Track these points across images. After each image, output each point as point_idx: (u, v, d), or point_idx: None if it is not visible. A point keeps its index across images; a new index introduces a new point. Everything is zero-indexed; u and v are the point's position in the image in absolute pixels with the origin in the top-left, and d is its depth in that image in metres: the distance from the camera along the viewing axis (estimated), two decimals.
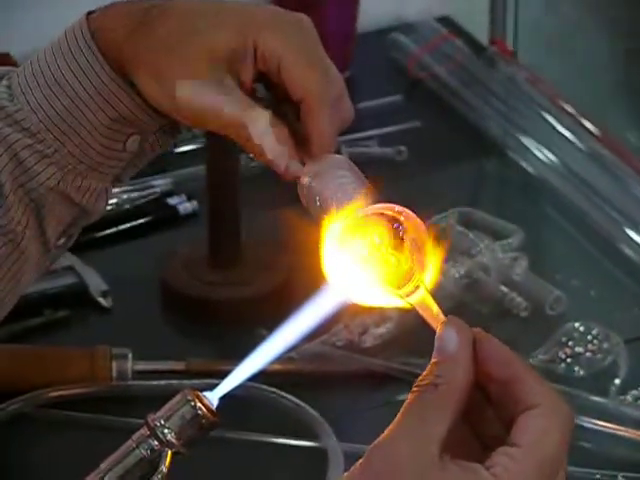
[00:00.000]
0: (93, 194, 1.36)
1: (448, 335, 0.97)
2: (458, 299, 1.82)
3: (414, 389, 0.95)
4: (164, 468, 1.09)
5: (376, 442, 0.94)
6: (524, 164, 2.04)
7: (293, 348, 1.13)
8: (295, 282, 1.65)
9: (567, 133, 2.06)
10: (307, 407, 1.70)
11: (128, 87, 1.31)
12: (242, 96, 1.26)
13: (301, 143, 1.25)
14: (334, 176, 1.22)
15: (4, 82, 1.36)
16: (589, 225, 1.91)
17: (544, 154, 2.04)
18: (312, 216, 1.14)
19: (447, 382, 0.95)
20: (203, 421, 1.11)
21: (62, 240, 1.38)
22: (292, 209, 1.33)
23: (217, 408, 1.11)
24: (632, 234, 1.86)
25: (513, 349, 0.95)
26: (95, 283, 1.84)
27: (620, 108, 2.19)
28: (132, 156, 1.35)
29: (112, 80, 1.31)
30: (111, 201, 1.85)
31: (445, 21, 2.35)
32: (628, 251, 1.86)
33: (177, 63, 1.30)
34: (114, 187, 1.38)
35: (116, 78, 1.31)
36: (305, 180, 1.22)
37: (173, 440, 1.12)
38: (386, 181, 1.10)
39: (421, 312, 1.02)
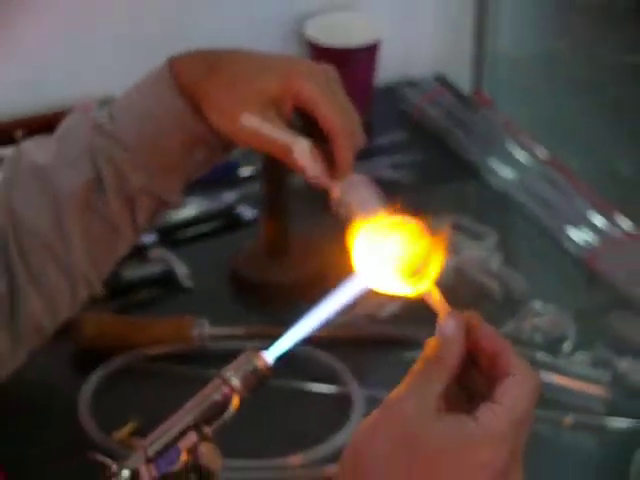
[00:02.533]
0: (172, 191, 1.40)
1: (448, 323, 0.99)
2: (448, 285, 1.74)
3: (419, 359, 0.99)
4: (232, 409, 1.10)
5: (390, 394, 0.96)
6: (496, 183, 2.06)
7: (329, 319, 1.10)
8: (330, 270, 1.61)
9: (526, 159, 2.11)
10: (337, 360, 1.69)
11: (198, 116, 1.35)
12: (286, 127, 1.29)
13: (329, 162, 1.28)
14: (359, 191, 1.27)
15: (107, 108, 1.40)
16: (543, 228, 1.95)
17: (510, 175, 2.08)
18: (342, 220, 1.16)
19: (445, 355, 0.97)
20: (261, 374, 1.11)
21: (147, 224, 1.43)
22: (327, 213, 1.31)
23: (271, 364, 1.10)
24: (573, 233, 1.92)
25: (490, 323, 0.97)
26: (181, 270, 1.85)
27: (566, 139, 2.23)
28: (199, 164, 1.39)
29: (187, 111, 1.35)
30: (193, 209, 2.00)
31: (439, 77, 2.34)
32: (570, 246, 1.91)
33: (237, 100, 1.33)
34: (187, 186, 1.43)
35: (190, 109, 1.36)
36: (336, 193, 1.27)
37: (239, 388, 1.12)
38: (395, 196, 1.09)
39: (427, 299, 1.04)
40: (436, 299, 1.05)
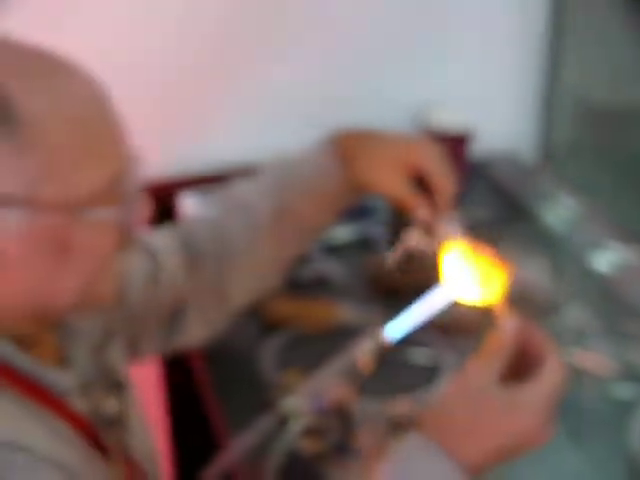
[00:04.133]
0: (322, 221, 1.38)
1: (507, 323, 1.05)
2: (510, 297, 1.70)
3: (485, 345, 1.05)
4: (365, 368, 1.23)
5: (467, 367, 1.05)
6: (547, 224, 1.97)
7: (435, 311, 1.21)
8: (431, 280, 1.63)
9: (571, 207, 2.01)
10: (433, 337, 1.65)
11: (352, 176, 1.34)
12: (409, 187, 1.30)
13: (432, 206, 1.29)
14: (450, 225, 1.28)
15: (269, 170, 1.39)
16: (579, 254, 1.87)
17: (558, 218, 1.98)
18: (438, 245, 1.22)
19: (504, 345, 1.03)
20: (384, 347, 1.23)
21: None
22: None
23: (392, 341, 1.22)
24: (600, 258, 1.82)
25: (536, 323, 1.02)
26: (334, 272, 1.83)
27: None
28: (341, 205, 1.37)
29: (346, 175, 1.34)
30: (347, 230, 1.94)
31: (510, 152, 2.21)
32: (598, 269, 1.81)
33: (376, 175, 1.33)
34: (331, 222, 1.41)
35: (348, 173, 1.34)
36: (439, 227, 1.28)
37: (369, 355, 1.23)
38: (473, 231, 1.15)
39: (494, 305, 1.10)
40: (499, 305, 1.10)
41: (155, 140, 1.81)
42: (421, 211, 1.30)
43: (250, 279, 1.40)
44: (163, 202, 1.92)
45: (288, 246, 1.40)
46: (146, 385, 1.41)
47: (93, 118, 0.96)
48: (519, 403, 1.02)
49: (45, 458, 0.96)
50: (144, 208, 1.04)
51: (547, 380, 1.02)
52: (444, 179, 1.31)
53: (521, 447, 1.03)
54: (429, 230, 1.30)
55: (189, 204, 1.89)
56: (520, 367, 1.05)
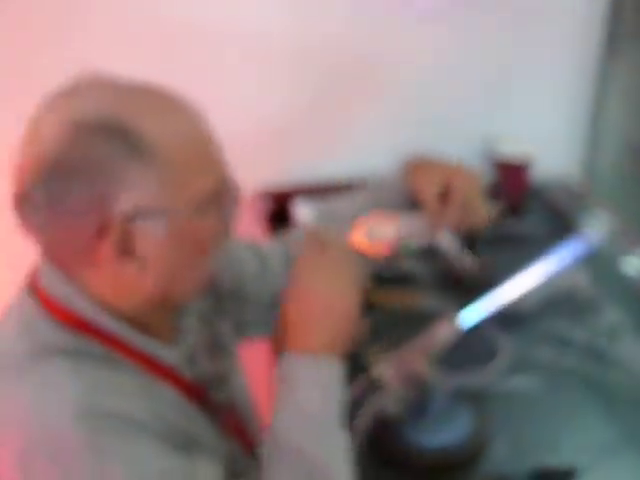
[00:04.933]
0: None
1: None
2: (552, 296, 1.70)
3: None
4: (440, 345, 1.30)
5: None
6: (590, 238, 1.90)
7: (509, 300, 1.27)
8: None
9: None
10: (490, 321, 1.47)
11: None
12: (437, 197, 1.31)
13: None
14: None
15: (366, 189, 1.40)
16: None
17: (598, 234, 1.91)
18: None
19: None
20: (457, 329, 1.30)
21: None
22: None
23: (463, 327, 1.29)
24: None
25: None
26: (417, 270, 1.81)
27: None
28: None
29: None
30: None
31: (560, 178, 2.19)
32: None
33: (419, 183, 1.32)
34: None
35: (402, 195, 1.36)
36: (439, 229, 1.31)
37: (444, 335, 1.31)
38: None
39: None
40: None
41: (278, 158, 2.03)
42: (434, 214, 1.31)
43: None
44: (281, 206, 1.98)
45: None
46: (251, 347, 1.41)
47: (200, 139, 0.99)
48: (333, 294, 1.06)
49: (148, 428, 0.96)
50: (240, 209, 1.06)
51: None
52: (458, 198, 1.29)
53: (344, 323, 1.06)
54: (436, 230, 1.32)
55: (301, 209, 1.94)
56: None
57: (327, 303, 1.06)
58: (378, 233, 1.28)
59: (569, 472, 1.28)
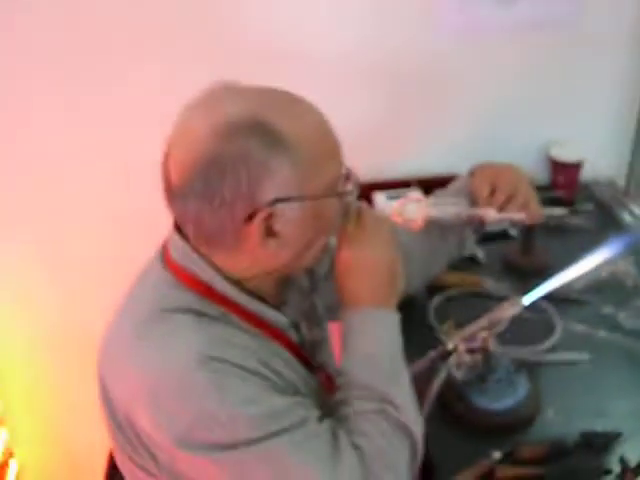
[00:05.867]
0: (459, 247, 1.36)
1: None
2: (602, 281, 1.64)
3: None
4: (503, 324, 1.26)
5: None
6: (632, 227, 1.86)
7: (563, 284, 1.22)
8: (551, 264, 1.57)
9: None
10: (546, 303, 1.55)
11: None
12: (488, 192, 1.26)
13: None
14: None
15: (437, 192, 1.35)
16: None
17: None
18: None
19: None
20: (519, 310, 1.24)
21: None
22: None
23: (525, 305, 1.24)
24: None
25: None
26: (473, 250, 1.74)
27: None
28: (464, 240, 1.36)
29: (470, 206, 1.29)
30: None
31: (609, 179, 2.08)
32: None
33: (477, 181, 1.28)
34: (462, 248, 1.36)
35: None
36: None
37: (506, 315, 1.25)
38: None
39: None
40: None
41: (363, 154, 1.88)
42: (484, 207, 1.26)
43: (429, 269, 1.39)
44: (362, 198, 1.95)
45: (440, 251, 1.37)
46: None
47: (327, 131, 0.98)
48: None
49: (261, 374, 0.95)
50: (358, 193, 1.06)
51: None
52: (505, 189, 1.24)
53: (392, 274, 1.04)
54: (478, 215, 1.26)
55: (379, 201, 1.88)
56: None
57: (372, 263, 1.04)
58: (411, 211, 1.24)
59: (614, 435, 1.26)
